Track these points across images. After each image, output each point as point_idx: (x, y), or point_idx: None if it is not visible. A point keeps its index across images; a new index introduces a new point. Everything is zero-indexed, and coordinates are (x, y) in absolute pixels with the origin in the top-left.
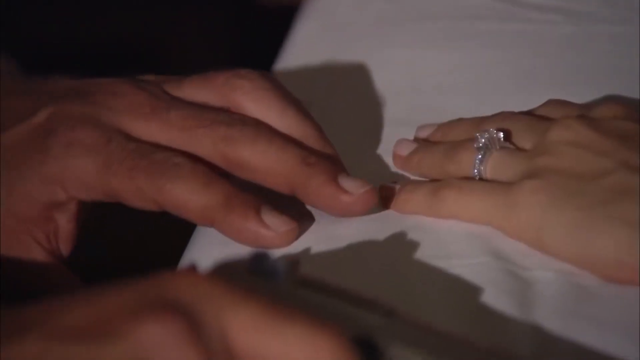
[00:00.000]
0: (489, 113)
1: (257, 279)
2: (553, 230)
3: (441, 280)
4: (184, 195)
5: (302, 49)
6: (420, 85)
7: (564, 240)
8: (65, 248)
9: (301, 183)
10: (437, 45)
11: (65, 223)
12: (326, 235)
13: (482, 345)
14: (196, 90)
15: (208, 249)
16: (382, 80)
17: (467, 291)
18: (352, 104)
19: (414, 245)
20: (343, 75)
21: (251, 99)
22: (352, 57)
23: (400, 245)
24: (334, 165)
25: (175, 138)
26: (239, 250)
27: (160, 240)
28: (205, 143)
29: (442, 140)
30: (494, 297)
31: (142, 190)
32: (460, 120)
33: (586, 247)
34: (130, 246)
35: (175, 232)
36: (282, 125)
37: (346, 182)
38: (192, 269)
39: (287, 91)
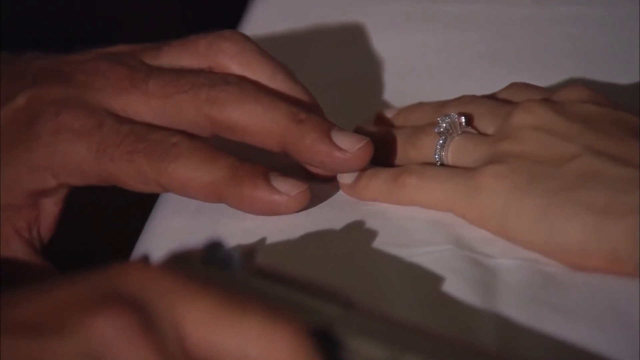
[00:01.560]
0: (451, 96)
1: (211, 270)
2: (517, 217)
3: (402, 269)
4: (188, 173)
5: (257, 31)
6: (382, 68)
7: (528, 226)
8: (46, 233)
9: (293, 141)
10: (399, 27)
11: (51, 206)
12: (283, 224)
13: (445, 335)
14: (177, 56)
15: (161, 239)
16: (343, 63)
17: (429, 280)
18: (311, 88)
19: (373, 234)
20: (301, 58)
21: (238, 61)
22: (311, 39)
23: (359, 233)
24: (325, 120)
25: (157, 108)
26: (193, 239)
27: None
28: (188, 109)
29: (403, 124)
30: (457, 286)
31: (144, 174)
32: (421, 104)
33: (551, 233)
34: (89, 231)
35: (131, 219)
36: (272, 90)
37: (340, 138)
38: (145, 260)
39: (271, 54)
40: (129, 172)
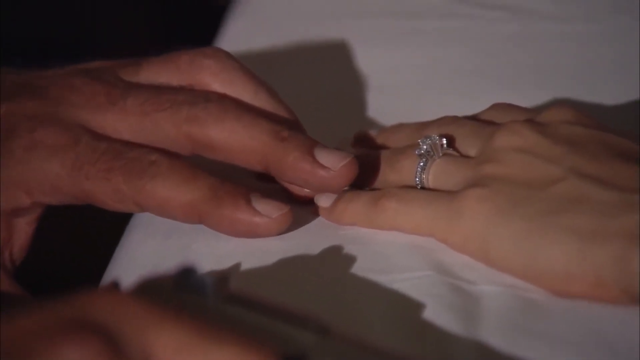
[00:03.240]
0: (431, 115)
1: (183, 296)
2: (499, 242)
3: (380, 295)
4: (167, 192)
5: (234, 46)
6: (362, 85)
7: (511, 252)
8: (19, 255)
9: (276, 159)
10: (379, 43)
11: (25, 227)
12: (257, 249)
13: None
14: (156, 72)
15: (132, 264)
16: (322, 80)
17: (408, 307)
18: (290, 105)
19: (351, 259)
20: (279, 74)
21: (220, 80)
22: (289, 55)
23: (337, 259)
24: (308, 138)
25: (135, 126)
26: (164, 265)
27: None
28: (168, 127)
29: (383, 146)
30: (437, 313)
31: (121, 192)
32: (401, 125)
33: (534, 259)
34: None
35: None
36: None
37: (324, 156)
38: (114, 286)
39: (254, 72)
40: (106, 190)
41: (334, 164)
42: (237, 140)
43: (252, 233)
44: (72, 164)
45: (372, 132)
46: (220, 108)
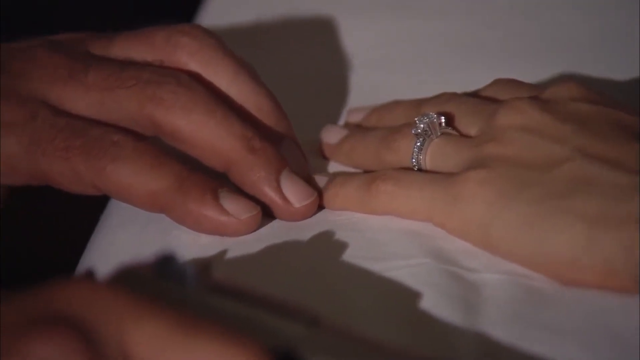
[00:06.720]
0: (428, 92)
1: (163, 285)
2: (501, 227)
3: (374, 284)
4: (128, 178)
5: (215, 21)
6: (353, 61)
7: (513, 238)
8: None
9: (239, 170)
10: (371, 14)
11: None
12: (243, 236)
13: (422, 356)
14: (129, 48)
15: (109, 252)
16: (310, 56)
17: (405, 296)
18: (275, 84)
19: (342, 246)
20: (260, 51)
21: (197, 60)
22: (274, 30)
23: (328, 245)
24: (277, 156)
25: (95, 102)
26: (143, 252)
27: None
28: (130, 105)
29: (377, 125)
30: (435, 303)
31: (79, 174)
32: (396, 102)
33: (539, 245)
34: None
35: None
36: (233, 93)
37: (289, 185)
38: (89, 276)
39: (234, 53)
40: (63, 170)
41: (297, 200)
42: (203, 136)
43: (217, 232)
44: (28, 141)
45: (366, 110)
46: (190, 95)
